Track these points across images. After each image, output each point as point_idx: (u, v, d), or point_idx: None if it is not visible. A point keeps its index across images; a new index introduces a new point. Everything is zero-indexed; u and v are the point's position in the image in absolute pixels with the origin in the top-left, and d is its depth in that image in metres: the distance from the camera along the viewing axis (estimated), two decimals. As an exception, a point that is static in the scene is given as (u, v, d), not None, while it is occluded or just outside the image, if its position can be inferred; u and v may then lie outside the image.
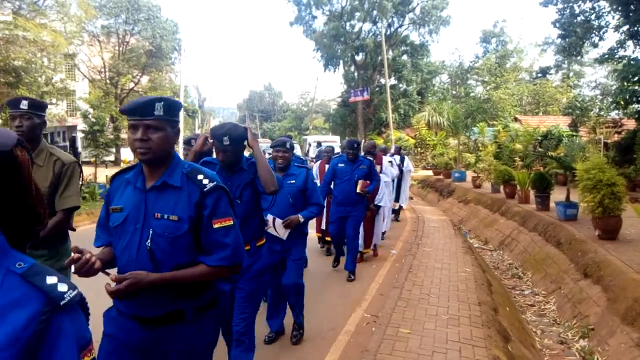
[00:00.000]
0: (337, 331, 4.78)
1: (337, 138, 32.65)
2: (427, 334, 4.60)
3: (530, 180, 11.25)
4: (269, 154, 4.70)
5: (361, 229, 7.18)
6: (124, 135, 34.19)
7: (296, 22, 39.14)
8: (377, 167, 7.61)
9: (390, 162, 9.58)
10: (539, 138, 18.93)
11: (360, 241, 7.30)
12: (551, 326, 6.22)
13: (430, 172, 23.65)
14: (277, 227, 4.15)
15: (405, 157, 12.74)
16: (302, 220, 4.29)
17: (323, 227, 8.05)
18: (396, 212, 11.98)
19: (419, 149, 29.97)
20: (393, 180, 9.93)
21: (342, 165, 6.55)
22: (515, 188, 12.56)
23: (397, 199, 11.59)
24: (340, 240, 6.87)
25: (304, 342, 4.53)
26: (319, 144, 30.54)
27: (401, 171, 11.46)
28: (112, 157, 31.00)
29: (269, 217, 4.08)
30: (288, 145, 4.29)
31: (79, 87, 31.26)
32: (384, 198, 7.69)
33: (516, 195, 12.49)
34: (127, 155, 35.76)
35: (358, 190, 6.34)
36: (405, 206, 13.12)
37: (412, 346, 4.29)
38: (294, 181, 4.33)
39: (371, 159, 7.01)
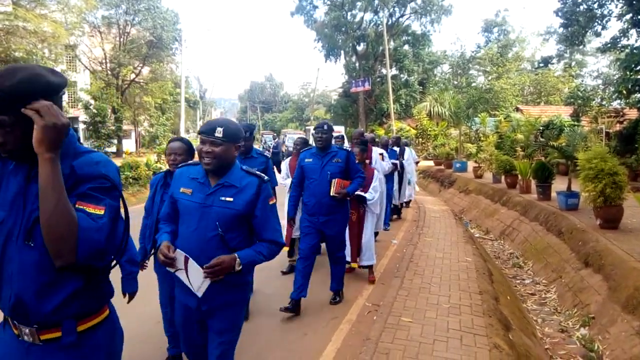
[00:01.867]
0: (338, 320, 4.81)
1: (341, 128, 31.81)
2: (429, 322, 4.62)
3: (532, 170, 11.24)
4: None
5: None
6: (125, 126, 34.32)
7: (297, 12, 39.00)
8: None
9: (382, 154, 8.23)
10: (541, 128, 18.87)
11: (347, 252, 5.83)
12: (552, 315, 6.25)
13: (431, 163, 23.63)
14: (190, 272, 2.46)
15: (407, 147, 11.38)
16: (238, 267, 2.47)
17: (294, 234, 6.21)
18: (397, 209, 10.88)
19: (421, 140, 29.92)
20: (391, 175, 9.17)
21: (310, 160, 5.08)
22: (517, 178, 12.56)
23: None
24: (309, 260, 5.03)
25: (306, 331, 4.57)
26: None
27: (401, 165, 10.44)
28: (113, 149, 31.08)
29: (176, 254, 2.48)
30: (220, 134, 2.51)
31: (80, 79, 31.26)
32: (377, 198, 6.14)
33: (517, 185, 12.49)
34: (129, 146, 35.84)
35: (332, 193, 4.88)
36: (410, 199, 12.31)
37: (414, 335, 4.32)
38: (231, 199, 2.54)
39: (348, 149, 5.37)
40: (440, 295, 5.46)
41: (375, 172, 6.15)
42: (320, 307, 5.18)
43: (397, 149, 10.67)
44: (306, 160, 5.12)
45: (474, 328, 4.51)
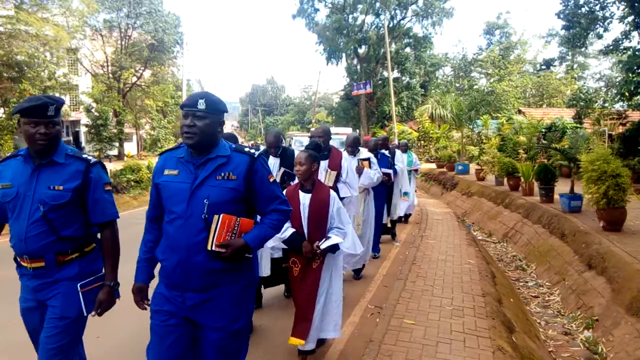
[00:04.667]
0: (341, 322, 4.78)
1: (349, 130, 26.75)
2: (431, 324, 4.60)
3: (534, 173, 11.22)
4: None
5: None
6: (127, 129, 34.37)
7: (298, 15, 39.07)
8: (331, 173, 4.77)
9: (368, 160, 6.13)
10: (543, 130, 18.88)
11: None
12: (555, 317, 6.22)
13: (433, 165, 23.62)
14: None
15: (397, 150, 8.93)
16: None
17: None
18: (388, 229, 8.74)
19: (423, 142, 29.92)
20: (382, 187, 6.98)
21: (175, 173, 2.41)
22: (519, 180, 12.54)
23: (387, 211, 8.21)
24: None
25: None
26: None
27: (394, 171, 8.08)
28: (115, 151, 31.13)
29: None
30: None
31: (81, 82, 31.31)
32: (353, 242, 3.98)
33: (520, 187, 12.46)
34: (131, 149, 35.87)
35: (211, 247, 2.28)
36: (409, 213, 10.62)
37: (416, 337, 4.30)
38: None
39: (256, 152, 2.49)
40: (443, 297, 5.43)
41: (332, 194, 3.76)
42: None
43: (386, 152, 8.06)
44: (165, 172, 2.46)
45: (477, 330, 4.49)
